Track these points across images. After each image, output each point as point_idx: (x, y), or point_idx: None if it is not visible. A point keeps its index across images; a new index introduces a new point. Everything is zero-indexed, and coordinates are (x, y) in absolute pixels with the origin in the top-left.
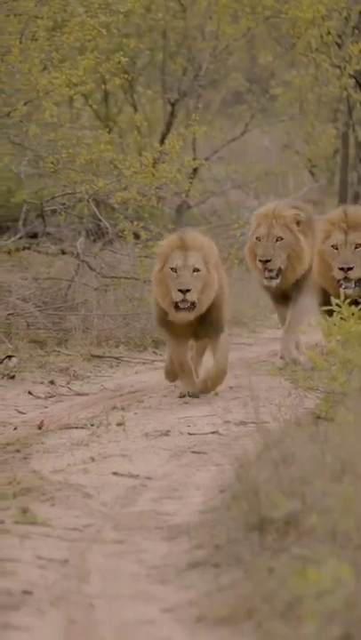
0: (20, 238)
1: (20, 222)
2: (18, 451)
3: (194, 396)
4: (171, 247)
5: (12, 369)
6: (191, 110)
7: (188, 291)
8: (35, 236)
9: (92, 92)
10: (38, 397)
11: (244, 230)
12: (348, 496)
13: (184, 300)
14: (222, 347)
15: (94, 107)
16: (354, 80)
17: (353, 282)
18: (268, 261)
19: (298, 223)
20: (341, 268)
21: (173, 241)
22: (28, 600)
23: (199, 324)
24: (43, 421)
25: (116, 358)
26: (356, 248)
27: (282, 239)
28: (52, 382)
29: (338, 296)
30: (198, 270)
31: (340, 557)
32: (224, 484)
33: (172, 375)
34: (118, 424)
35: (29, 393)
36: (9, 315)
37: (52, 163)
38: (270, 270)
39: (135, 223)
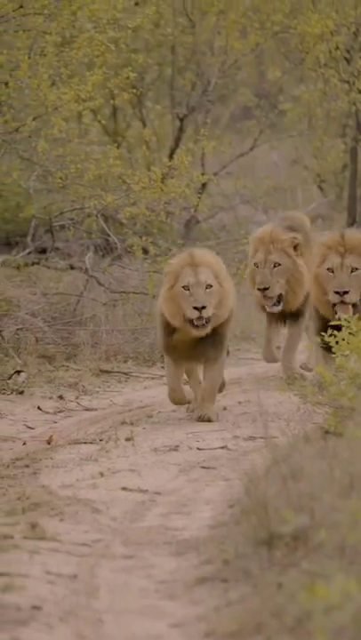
0: (29, 253)
1: (29, 237)
2: (27, 466)
3: (213, 420)
4: (181, 265)
5: (20, 384)
6: (200, 125)
7: (203, 308)
8: (43, 251)
9: (101, 107)
10: (47, 412)
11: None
12: (357, 511)
13: (200, 318)
14: (218, 367)
15: (103, 122)
16: None
17: (349, 306)
18: (266, 289)
19: (295, 247)
20: (337, 292)
21: (183, 259)
22: (37, 615)
23: (203, 346)
24: (52, 436)
25: (125, 373)
26: (352, 272)
27: (279, 265)
28: (60, 397)
29: (333, 320)
30: (211, 286)
31: (348, 572)
32: (233, 498)
33: (177, 399)
34: (127, 439)
35: (38, 408)
36: (18, 330)
37: (61, 178)
38: (270, 298)
39: (144, 238)
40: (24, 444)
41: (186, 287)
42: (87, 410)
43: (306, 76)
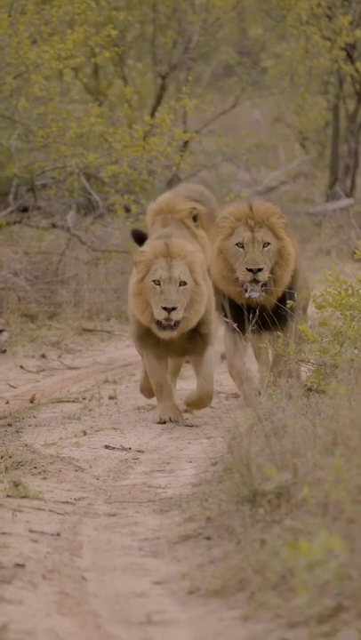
0: (11, 212)
1: (11, 196)
2: (9, 425)
3: (175, 421)
4: (155, 254)
5: (3, 343)
6: (182, 83)
7: (173, 309)
8: (25, 210)
9: (82, 65)
10: (30, 371)
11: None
12: (340, 468)
13: (168, 319)
14: (208, 364)
15: (84, 80)
16: (345, 52)
17: (260, 285)
18: None
19: (195, 217)
20: (250, 270)
21: (157, 248)
22: (20, 573)
23: (185, 340)
24: (34, 395)
25: (108, 332)
26: (264, 247)
27: None
28: (43, 356)
29: (241, 301)
30: (185, 284)
31: (331, 529)
32: (216, 456)
33: (147, 391)
34: (110, 397)
35: (21, 367)
36: (0, 289)
37: (43, 137)
38: None
39: (126, 197)
40: (7, 402)
41: (157, 282)
42: (70, 368)
43: (288, 33)
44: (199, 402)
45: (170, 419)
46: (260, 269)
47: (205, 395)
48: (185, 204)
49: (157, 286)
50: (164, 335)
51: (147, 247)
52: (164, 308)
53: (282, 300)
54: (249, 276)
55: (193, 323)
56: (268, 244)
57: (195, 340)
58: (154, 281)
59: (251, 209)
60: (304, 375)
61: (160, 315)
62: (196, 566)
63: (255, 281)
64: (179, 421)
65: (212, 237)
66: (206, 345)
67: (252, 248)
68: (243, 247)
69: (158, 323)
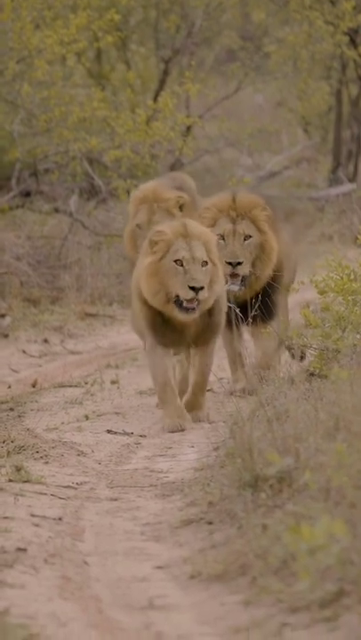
0: (14, 197)
1: (14, 181)
2: (12, 409)
3: (183, 429)
4: (174, 234)
5: (5, 328)
6: (184, 68)
7: (201, 288)
8: (28, 194)
9: (85, 49)
10: (32, 356)
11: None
12: (342, 453)
13: (193, 300)
14: (208, 357)
15: (87, 65)
16: (348, 37)
17: (240, 278)
18: None
19: (181, 207)
20: (229, 263)
21: (175, 228)
22: (22, 557)
23: (198, 327)
24: (36, 380)
25: (110, 316)
26: (245, 240)
27: None
28: (45, 341)
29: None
30: (206, 264)
31: (333, 514)
32: (218, 441)
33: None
34: (112, 382)
35: (23, 352)
36: (2, 273)
37: (45, 121)
38: None
39: (128, 181)
40: (9, 387)
41: (179, 262)
42: (72, 353)
43: (291, 18)
44: (195, 401)
45: (177, 428)
46: (239, 263)
47: (199, 389)
48: (171, 192)
49: (180, 267)
50: (186, 317)
51: (164, 227)
52: (192, 288)
53: (264, 294)
54: (228, 269)
55: (210, 304)
56: (250, 236)
57: (206, 328)
58: (176, 261)
59: (234, 200)
60: (307, 360)
61: (188, 294)
62: (198, 551)
63: (234, 274)
64: (185, 429)
65: None
66: (214, 335)
67: (232, 240)
68: (223, 239)
69: (178, 304)
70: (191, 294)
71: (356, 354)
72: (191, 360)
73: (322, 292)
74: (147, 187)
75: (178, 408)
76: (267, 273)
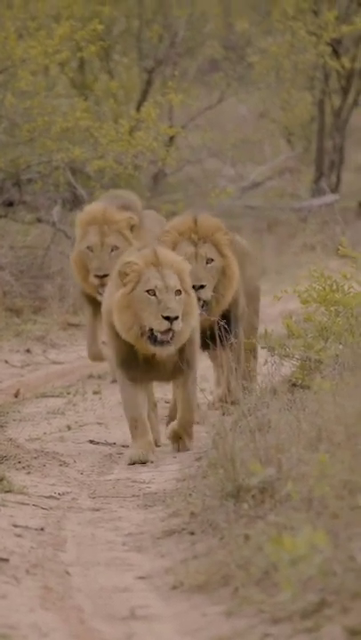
0: None
1: None
2: None
3: (143, 462)
4: (145, 263)
5: None
6: (167, 78)
7: (176, 318)
8: (11, 204)
9: (68, 60)
10: (14, 366)
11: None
12: (324, 463)
13: (168, 331)
14: (191, 390)
15: (70, 75)
16: (330, 48)
17: (202, 303)
18: (105, 276)
19: (132, 228)
20: (193, 286)
21: (146, 257)
22: (3, 568)
23: (171, 362)
24: (19, 390)
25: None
26: (207, 263)
27: (118, 248)
28: (28, 351)
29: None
30: (180, 293)
31: (315, 524)
32: (200, 451)
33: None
34: (94, 392)
35: (5, 361)
36: None
37: (28, 131)
38: (104, 285)
39: (110, 191)
40: None
41: (151, 292)
42: (54, 363)
43: (274, 28)
44: (182, 430)
45: (139, 460)
46: (202, 286)
47: (190, 419)
48: (121, 214)
49: (152, 297)
50: (162, 351)
51: (133, 257)
52: (166, 318)
53: (224, 318)
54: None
55: (186, 336)
56: (212, 260)
57: (180, 361)
58: (148, 291)
59: (195, 223)
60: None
61: (161, 326)
62: (180, 561)
63: (197, 299)
64: (147, 462)
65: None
66: (191, 368)
67: (195, 264)
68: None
69: (152, 338)
70: (165, 325)
71: (339, 364)
72: (173, 394)
73: (304, 303)
74: (95, 208)
75: (146, 443)
76: (228, 298)
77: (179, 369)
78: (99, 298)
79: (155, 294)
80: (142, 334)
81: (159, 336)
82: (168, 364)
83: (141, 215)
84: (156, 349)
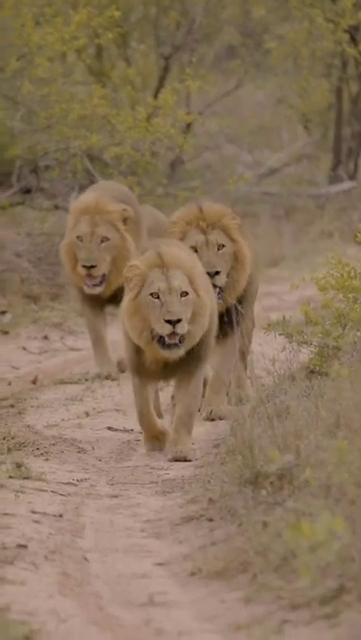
0: (14, 194)
1: (14, 177)
2: (12, 406)
3: (161, 448)
4: (148, 266)
5: (5, 324)
6: (185, 65)
7: (178, 321)
8: (28, 191)
9: (85, 46)
10: (32, 353)
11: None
12: (343, 450)
13: (174, 334)
14: (194, 389)
15: (87, 62)
16: (348, 35)
17: (217, 290)
18: (92, 267)
19: (125, 220)
20: (208, 273)
21: (149, 259)
22: (22, 554)
23: (178, 363)
24: (37, 376)
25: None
26: (218, 249)
27: (108, 240)
28: (45, 337)
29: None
30: (187, 294)
31: (334, 511)
32: (218, 438)
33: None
34: (113, 379)
35: (23, 348)
36: (3, 270)
37: (46, 118)
38: (94, 277)
39: (129, 178)
40: (9, 384)
41: (155, 295)
42: (72, 350)
43: (291, 14)
44: (177, 438)
45: (159, 447)
46: (217, 272)
47: (182, 428)
48: (114, 205)
49: (156, 300)
50: (170, 355)
51: (136, 260)
52: (168, 321)
53: (238, 301)
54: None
55: (197, 338)
56: (223, 246)
57: (190, 361)
58: (152, 294)
59: (201, 211)
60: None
61: (164, 329)
62: (198, 548)
63: (213, 285)
64: (163, 450)
65: (136, 242)
66: (199, 367)
67: (206, 251)
68: (197, 251)
69: (161, 341)
70: (168, 328)
71: (357, 351)
72: (174, 393)
73: (322, 290)
74: (88, 197)
75: (158, 434)
76: (242, 283)
77: (186, 369)
78: (86, 290)
79: (158, 297)
80: (153, 338)
81: (167, 339)
82: (173, 364)
83: (138, 209)
84: (164, 353)
